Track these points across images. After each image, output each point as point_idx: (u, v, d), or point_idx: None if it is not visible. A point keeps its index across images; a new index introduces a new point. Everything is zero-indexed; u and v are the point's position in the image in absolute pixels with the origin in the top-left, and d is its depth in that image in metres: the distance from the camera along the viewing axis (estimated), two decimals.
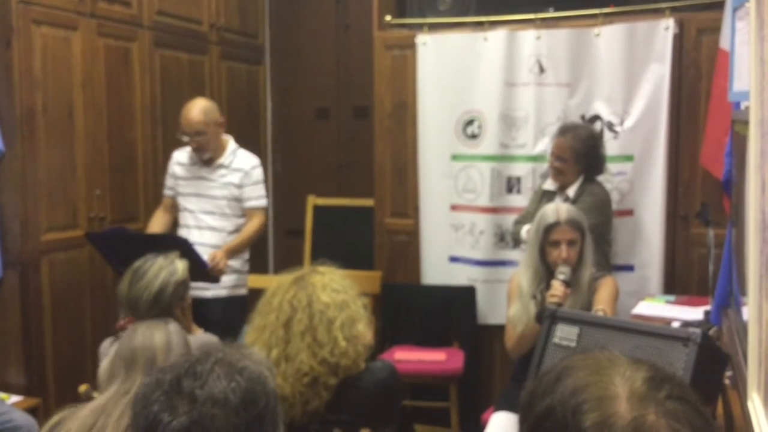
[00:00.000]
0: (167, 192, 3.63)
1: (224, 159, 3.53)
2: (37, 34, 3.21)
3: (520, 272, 2.87)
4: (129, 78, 3.74)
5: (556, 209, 2.79)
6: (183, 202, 3.57)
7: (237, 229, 3.56)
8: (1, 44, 3.12)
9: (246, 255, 3.67)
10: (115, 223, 3.62)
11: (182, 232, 3.51)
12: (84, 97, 3.46)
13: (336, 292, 2.09)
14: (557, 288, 2.65)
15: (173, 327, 1.93)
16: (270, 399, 1.19)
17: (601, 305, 2.69)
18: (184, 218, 3.56)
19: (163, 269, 2.43)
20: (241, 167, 3.55)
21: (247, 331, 2.18)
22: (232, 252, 3.47)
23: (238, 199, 3.55)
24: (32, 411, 3.05)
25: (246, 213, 3.58)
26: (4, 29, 3.11)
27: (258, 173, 3.59)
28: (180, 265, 2.48)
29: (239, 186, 3.53)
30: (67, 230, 3.40)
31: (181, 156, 3.60)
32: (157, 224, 3.61)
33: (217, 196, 3.53)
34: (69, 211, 3.42)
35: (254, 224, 3.59)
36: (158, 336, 1.86)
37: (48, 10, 3.26)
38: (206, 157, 3.50)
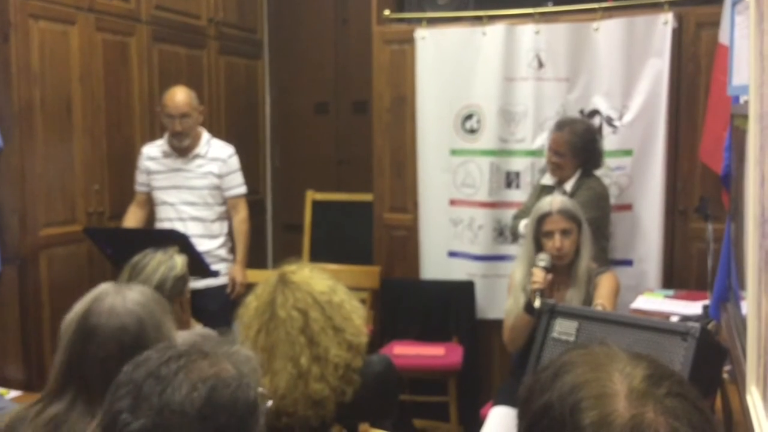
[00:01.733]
0: (140, 188, 3.63)
1: (200, 149, 3.56)
2: (35, 29, 3.21)
3: (516, 265, 2.88)
4: (127, 73, 3.73)
5: (551, 200, 2.81)
6: (161, 195, 3.56)
7: (218, 218, 3.62)
8: None
9: (230, 243, 3.71)
10: (114, 218, 3.61)
11: (165, 226, 3.52)
12: (82, 92, 3.46)
13: (322, 279, 2.09)
14: (538, 274, 2.68)
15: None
16: (237, 409, 1.12)
17: (601, 300, 2.69)
18: (165, 211, 3.55)
19: (162, 264, 2.44)
20: (218, 156, 3.59)
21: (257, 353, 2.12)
22: (245, 262, 3.67)
23: (218, 188, 3.61)
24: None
25: (228, 202, 3.65)
26: (2, 24, 3.10)
27: (235, 161, 3.66)
28: (179, 260, 2.48)
29: (219, 175, 3.59)
30: (66, 225, 3.40)
31: (151, 150, 3.60)
32: (132, 220, 3.61)
33: (197, 186, 3.55)
34: (67, 206, 3.41)
35: (243, 219, 3.71)
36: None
37: (46, 5, 3.25)
38: (186, 143, 3.52)
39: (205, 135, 3.62)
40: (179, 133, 3.49)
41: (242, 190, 3.70)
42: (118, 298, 1.58)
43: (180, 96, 3.50)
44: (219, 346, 1.20)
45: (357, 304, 2.11)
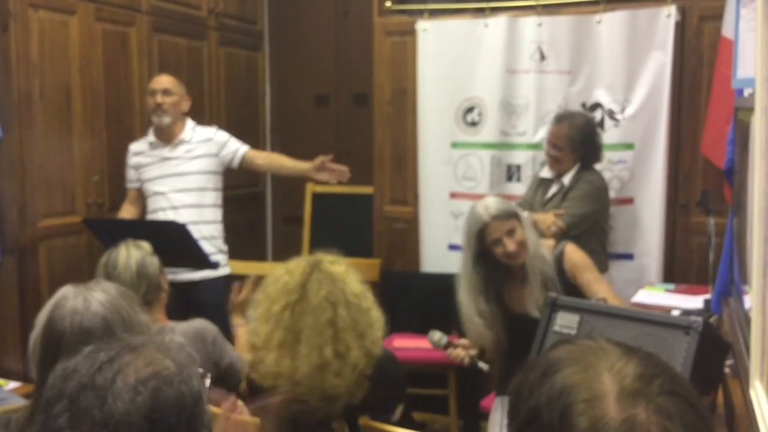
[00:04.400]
0: (131, 185, 3.62)
1: (185, 135, 3.57)
2: (34, 19, 3.19)
3: (461, 292, 2.65)
4: (127, 63, 3.71)
5: (478, 210, 2.55)
6: (152, 186, 3.55)
7: (213, 203, 3.62)
8: None
9: (224, 233, 3.69)
10: (113, 209, 3.60)
11: (158, 216, 3.51)
12: (82, 83, 3.44)
13: (356, 280, 2.09)
14: (455, 356, 2.50)
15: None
16: (185, 404, 1.06)
17: (600, 289, 2.57)
18: (157, 202, 3.54)
19: (131, 249, 2.47)
20: (206, 137, 3.61)
21: (269, 336, 2.07)
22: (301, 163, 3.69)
23: (218, 172, 3.62)
24: (30, 397, 3.04)
25: (245, 164, 3.67)
26: (2, 13, 3.09)
27: (223, 133, 3.69)
28: (143, 243, 2.52)
29: (217, 154, 3.61)
30: (65, 216, 3.39)
31: (137, 146, 3.61)
32: (125, 216, 3.59)
33: (187, 172, 3.54)
34: (67, 197, 3.40)
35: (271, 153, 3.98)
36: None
37: None
38: (166, 121, 3.50)
39: (190, 122, 3.63)
40: (159, 107, 3.48)
41: (246, 146, 3.70)
42: (79, 301, 1.52)
43: (164, 76, 3.58)
44: (150, 339, 1.11)
45: (380, 315, 2.10)
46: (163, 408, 1.03)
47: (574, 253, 2.64)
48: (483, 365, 2.48)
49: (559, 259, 2.63)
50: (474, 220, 2.55)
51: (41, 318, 1.54)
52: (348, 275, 2.08)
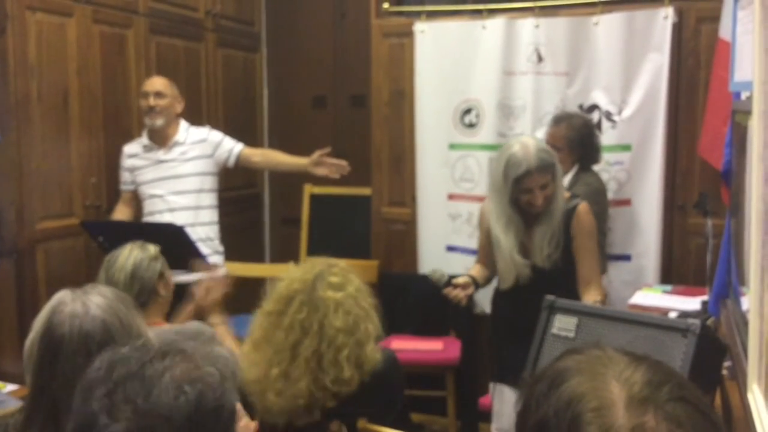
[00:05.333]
0: (125, 187, 3.62)
1: (179, 136, 3.57)
2: (32, 21, 3.19)
3: (493, 224, 2.73)
4: (124, 65, 3.71)
5: (525, 155, 2.56)
6: (148, 189, 3.55)
7: (209, 205, 3.62)
8: None
9: (220, 234, 3.69)
10: (110, 211, 3.60)
11: (155, 218, 3.51)
12: (79, 85, 3.44)
13: (347, 314, 2.03)
14: (453, 295, 2.62)
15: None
16: (222, 416, 1.07)
17: (579, 240, 2.66)
18: (154, 204, 3.54)
19: (133, 249, 2.45)
20: (200, 138, 3.62)
21: (245, 342, 2.14)
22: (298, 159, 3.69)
23: (213, 173, 3.63)
24: (24, 400, 3.04)
25: (241, 161, 3.67)
26: None
27: (216, 132, 3.70)
28: (151, 246, 2.49)
29: (212, 154, 3.61)
30: (63, 218, 3.38)
31: (131, 148, 3.60)
32: (119, 218, 3.58)
33: (183, 174, 3.55)
34: (64, 200, 3.40)
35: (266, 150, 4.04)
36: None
37: None
38: (159, 123, 3.51)
39: (184, 124, 3.63)
40: (152, 109, 3.49)
41: (241, 144, 3.71)
42: (78, 305, 1.50)
43: (157, 78, 3.59)
44: (199, 347, 1.12)
45: (371, 352, 2.06)
46: (204, 413, 1.04)
47: (585, 215, 2.70)
48: (479, 307, 2.51)
49: (569, 215, 2.68)
50: (514, 164, 2.56)
51: (38, 323, 1.53)
52: (339, 307, 2.02)
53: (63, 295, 1.55)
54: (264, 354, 2.04)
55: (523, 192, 2.60)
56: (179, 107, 3.61)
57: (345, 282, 2.08)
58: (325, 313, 2.01)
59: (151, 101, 3.49)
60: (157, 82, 3.55)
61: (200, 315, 2.76)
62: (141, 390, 1.03)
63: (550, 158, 2.61)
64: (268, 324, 2.07)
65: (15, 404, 2.86)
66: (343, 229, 4.50)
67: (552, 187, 2.61)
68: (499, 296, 2.89)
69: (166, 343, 1.11)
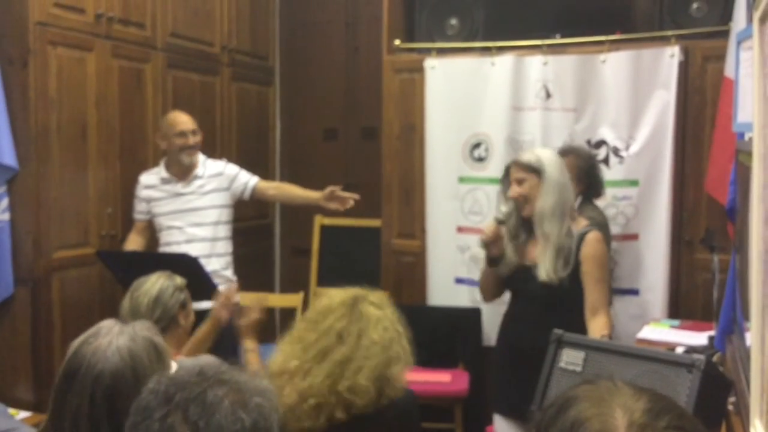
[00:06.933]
0: (139, 216, 3.66)
1: (198, 170, 3.64)
2: (53, 55, 3.27)
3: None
4: (142, 98, 3.79)
5: (521, 151, 2.92)
6: (165, 221, 3.60)
7: (225, 236, 3.68)
8: (18, 64, 3.17)
9: (233, 264, 3.74)
10: (126, 240, 3.64)
11: (172, 249, 3.55)
12: (97, 117, 3.52)
13: (386, 331, 2.10)
14: (487, 227, 2.78)
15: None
16: None
17: (587, 266, 2.69)
18: (171, 235, 3.59)
19: (161, 277, 2.50)
20: (216, 171, 3.68)
21: (281, 340, 2.18)
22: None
23: (230, 205, 3.69)
24: (37, 427, 3.07)
25: (256, 194, 3.75)
26: (22, 50, 3.17)
27: (233, 165, 3.77)
28: (178, 278, 2.53)
29: (228, 187, 3.68)
30: (79, 248, 3.44)
31: (149, 179, 3.65)
32: (133, 247, 3.62)
33: (201, 207, 3.60)
34: (81, 229, 3.46)
35: (281, 184, 4.15)
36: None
37: (64, 32, 3.32)
38: (196, 159, 3.60)
39: (201, 157, 3.69)
40: (192, 147, 3.57)
41: (256, 177, 3.78)
42: (104, 342, 1.50)
43: (185, 116, 3.64)
44: (249, 379, 1.17)
45: (397, 374, 2.12)
46: None
47: (595, 243, 2.74)
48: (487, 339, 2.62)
49: (580, 240, 2.73)
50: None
51: (74, 344, 1.55)
52: (379, 322, 2.09)
53: (104, 325, 1.56)
54: (292, 349, 2.08)
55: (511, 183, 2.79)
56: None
57: (383, 304, 2.17)
58: (366, 325, 2.08)
59: (190, 140, 3.57)
60: (189, 120, 3.61)
61: (217, 329, 2.81)
62: (203, 414, 1.08)
63: (535, 162, 2.73)
64: (304, 326, 2.12)
65: (28, 431, 2.89)
66: (353, 260, 4.54)
67: (529, 188, 2.71)
68: (506, 317, 2.91)
69: (221, 372, 1.16)
